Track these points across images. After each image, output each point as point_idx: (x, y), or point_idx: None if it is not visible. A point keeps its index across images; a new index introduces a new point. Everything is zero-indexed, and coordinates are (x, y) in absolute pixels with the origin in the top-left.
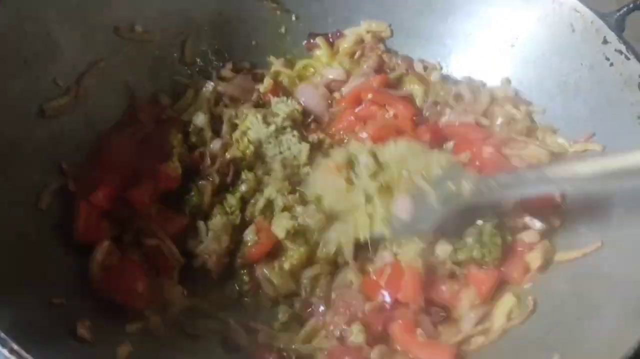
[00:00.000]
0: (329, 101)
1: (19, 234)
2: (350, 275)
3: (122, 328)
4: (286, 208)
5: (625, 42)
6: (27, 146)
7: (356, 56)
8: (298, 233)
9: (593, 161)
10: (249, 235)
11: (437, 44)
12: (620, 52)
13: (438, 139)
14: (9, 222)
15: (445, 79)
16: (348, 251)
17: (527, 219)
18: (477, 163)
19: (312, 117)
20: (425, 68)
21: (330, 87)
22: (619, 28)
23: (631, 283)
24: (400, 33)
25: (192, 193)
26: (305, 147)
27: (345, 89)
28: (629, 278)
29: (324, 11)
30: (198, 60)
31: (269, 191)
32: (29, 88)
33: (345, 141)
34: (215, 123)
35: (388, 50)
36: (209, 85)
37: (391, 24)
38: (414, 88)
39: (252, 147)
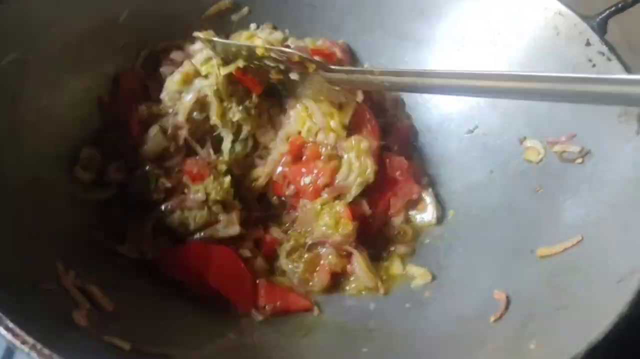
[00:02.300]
0: None
1: None
2: None
3: None
4: None
5: (607, 44)
6: None
7: None
8: None
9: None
10: None
11: (427, 47)
12: (602, 53)
13: None
14: None
15: None
16: None
17: None
18: None
19: None
20: None
21: None
22: (601, 30)
23: (609, 274)
24: (391, 36)
25: None
26: None
27: None
28: (607, 268)
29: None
30: None
31: None
32: None
33: None
34: None
35: None
36: None
37: (382, 28)
38: None
39: None
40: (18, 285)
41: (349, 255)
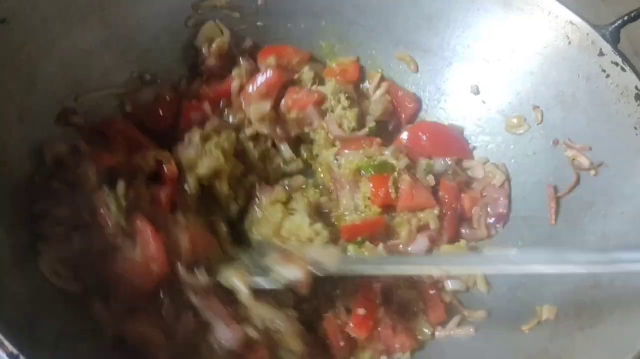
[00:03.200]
0: None
1: None
2: None
3: None
4: None
5: (620, 55)
6: None
7: None
8: None
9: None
10: None
11: (436, 57)
12: (617, 64)
13: None
14: None
15: None
16: None
17: None
18: None
19: None
20: None
21: None
22: (614, 40)
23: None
24: (399, 46)
25: None
26: None
27: None
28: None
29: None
30: None
31: None
32: None
33: None
34: None
35: None
36: None
37: (390, 37)
38: None
39: None
40: None
41: None
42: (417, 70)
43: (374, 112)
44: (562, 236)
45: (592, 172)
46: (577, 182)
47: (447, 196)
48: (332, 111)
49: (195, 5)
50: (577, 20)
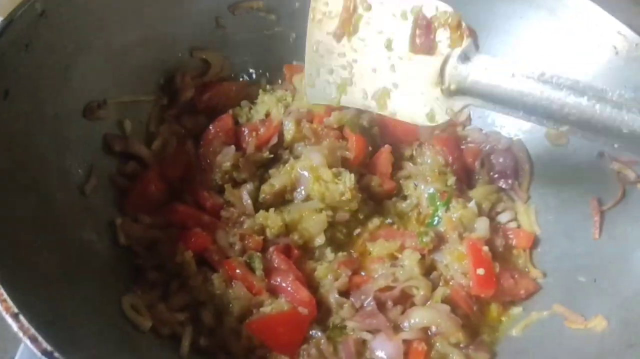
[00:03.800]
0: None
1: None
2: None
3: None
4: None
5: None
6: None
7: None
8: None
9: None
10: None
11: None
12: None
13: None
14: None
15: None
16: None
17: None
18: None
19: None
20: None
21: None
22: None
23: None
24: None
25: None
26: None
27: None
28: None
29: None
30: None
31: None
32: None
33: None
34: None
35: None
36: None
37: None
38: None
39: None
40: None
41: None
42: None
43: None
44: (605, 251)
45: (639, 186)
46: (623, 195)
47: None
48: None
49: (232, 6)
50: (625, 30)
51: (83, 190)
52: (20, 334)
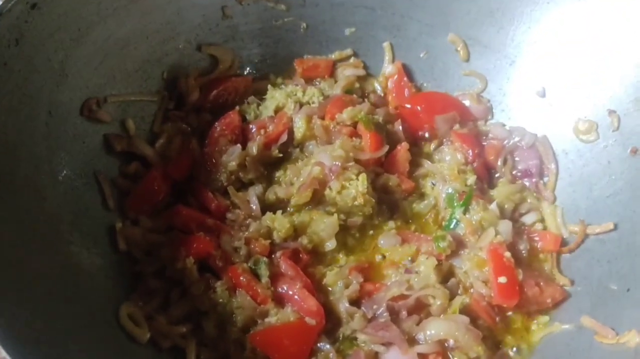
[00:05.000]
0: None
1: None
2: None
3: None
4: None
5: None
6: None
7: None
8: None
9: None
10: None
11: (498, 54)
12: None
13: None
14: None
15: None
16: None
17: None
18: None
19: None
20: None
21: None
22: None
23: None
24: (456, 42)
25: None
26: None
27: None
28: None
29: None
30: None
31: None
32: None
33: None
34: None
35: None
36: None
37: (446, 30)
38: None
39: None
40: None
41: None
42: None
43: None
44: None
45: None
46: None
47: (464, 144)
48: None
49: None
50: None
51: (79, 191)
52: None
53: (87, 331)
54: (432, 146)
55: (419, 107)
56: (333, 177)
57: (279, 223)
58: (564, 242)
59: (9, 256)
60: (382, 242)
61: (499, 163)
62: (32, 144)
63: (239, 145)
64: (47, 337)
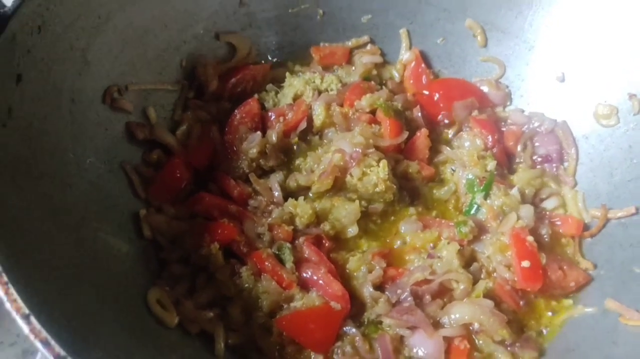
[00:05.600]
0: None
1: None
2: None
3: None
4: None
5: None
6: None
7: None
8: None
9: None
10: None
11: (517, 39)
12: None
13: None
14: None
15: None
16: None
17: None
18: None
19: None
20: None
21: None
22: None
23: None
24: (474, 28)
25: None
26: None
27: None
28: None
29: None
30: None
31: None
32: None
33: None
34: None
35: None
36: None
37: (463, 15)
38: None
39: None
40: None
41: None
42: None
43: None
44: None
45: None
46: None
47: (483, 130)
48: None
49: None
50: None
51: (103, 179)
52: (32, 337)
53: (116, 314)
54: (451, 133)
55: (437, 94)
56: (354, 164)
57: (302, 209)
58: (585, 227)
59: (34, 242)
60: (403, 228)
61: (519, 149)
62: (56, 132)
63: (259, 132)
64: (77, 322)
